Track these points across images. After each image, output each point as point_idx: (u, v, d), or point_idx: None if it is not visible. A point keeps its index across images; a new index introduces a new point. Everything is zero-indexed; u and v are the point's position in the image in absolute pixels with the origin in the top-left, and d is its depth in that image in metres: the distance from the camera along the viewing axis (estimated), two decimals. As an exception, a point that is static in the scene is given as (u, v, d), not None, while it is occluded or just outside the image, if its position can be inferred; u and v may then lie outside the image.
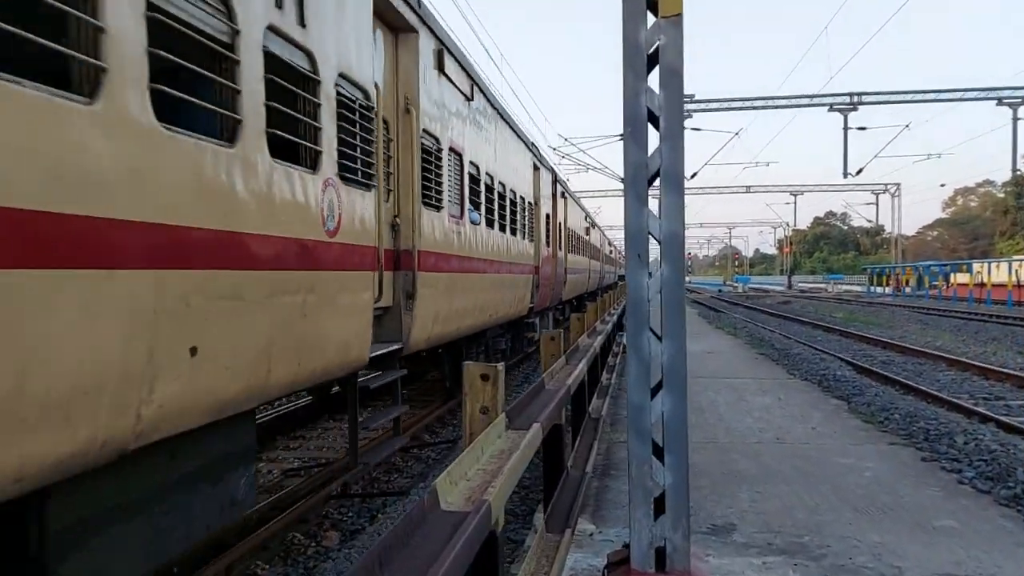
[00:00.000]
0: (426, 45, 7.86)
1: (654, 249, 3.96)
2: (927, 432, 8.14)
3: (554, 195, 19.04)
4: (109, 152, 3.00)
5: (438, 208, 8.34)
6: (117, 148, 3.05)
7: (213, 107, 3.88)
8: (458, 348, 10.41)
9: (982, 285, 37.44)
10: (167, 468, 3.73)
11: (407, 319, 7.32)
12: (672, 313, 3.90)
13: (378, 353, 6.39)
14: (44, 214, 2.68)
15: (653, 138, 3.86)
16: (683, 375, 3.96)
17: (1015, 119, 35.07)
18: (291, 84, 4.75)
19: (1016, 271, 35.80)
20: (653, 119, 3.83)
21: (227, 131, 3.99)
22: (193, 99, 3.66)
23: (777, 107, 37.52)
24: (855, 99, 36.08)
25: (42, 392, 2.67)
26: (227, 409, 3.96)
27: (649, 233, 3.89)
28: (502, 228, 12.09)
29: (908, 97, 36.23)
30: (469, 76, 9.82)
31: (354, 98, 5.82)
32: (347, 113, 5.60)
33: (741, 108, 38.12)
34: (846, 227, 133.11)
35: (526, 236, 14.57)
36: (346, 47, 5.60)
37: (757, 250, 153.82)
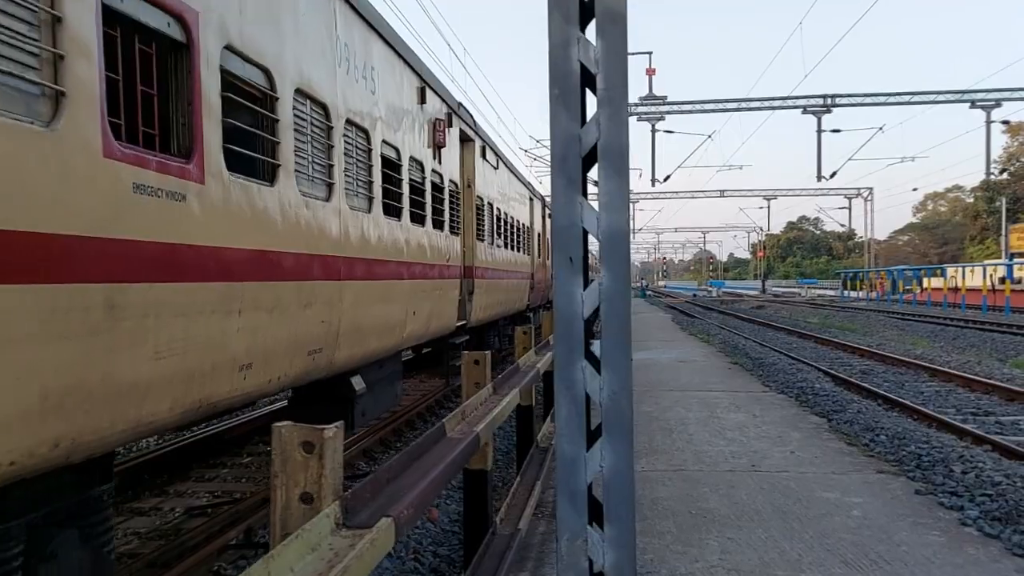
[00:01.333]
0: (477, 145, 12.70)
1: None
2: (919, 458, 7.28)
3: (543, 217, 23.67)
4: None
5: (481, 239, 13.00)
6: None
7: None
8: (485, 330, 14.21)
9: (956, 290, 37.09)
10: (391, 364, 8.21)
11: (469, 306, 11.93)
12: (614, 335, 2.96)
13: (459, 324, 11.19)
14: None
15: (591, 105, 2.92)
16: (628, 417, 2.99)
17: (988, 122, 34.74)
18: (440, 193, 10.05)
19: (991, 276, 35.48)
20: (589, 79, 2.88)
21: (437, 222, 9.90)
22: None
23: (751, 109, 36.90)
24: (829, 101, 35.54)
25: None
26: (424, 337, 9.33)
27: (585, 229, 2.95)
28: (513, 247, 16.81)
29: (882, 99, 35.78)
30: (496, 154, 14.58)
31: (453, 191, 11.02)
32: (453, 199, 10.93)
33: (714, 110, 37.46)
34: (819, 232, 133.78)
35: (526, 251, 19.16)
36: (452, 166, 10.84)
37: (731, 254, 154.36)
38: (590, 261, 3.13)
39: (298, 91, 5.40)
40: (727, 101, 37.03)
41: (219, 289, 4.24)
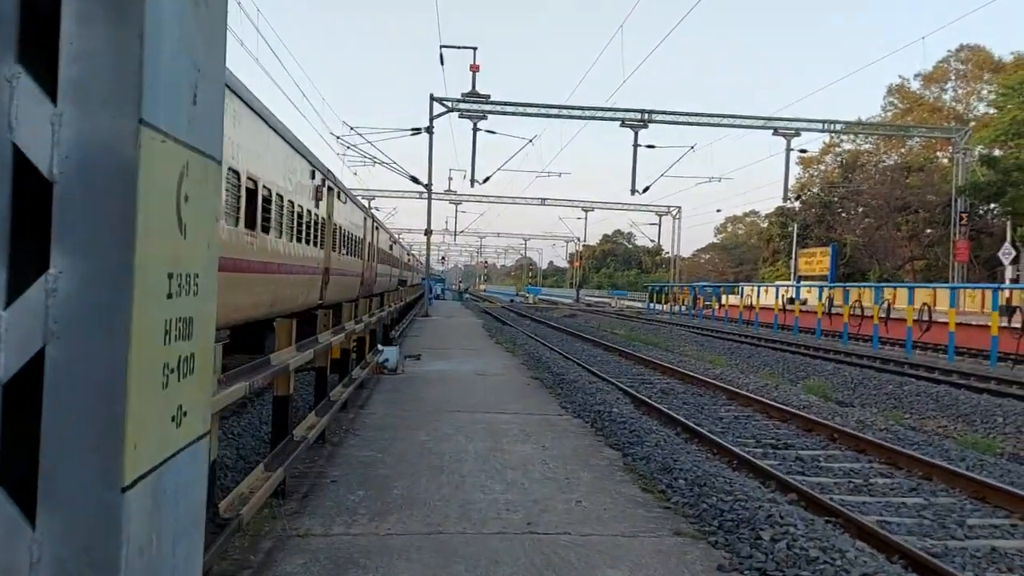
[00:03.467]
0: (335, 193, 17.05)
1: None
2: (721, 514, 6.12)
3: (373, 230, 28.13)
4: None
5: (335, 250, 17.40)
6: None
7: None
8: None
9: (751, 307, 38.88)
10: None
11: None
12: (76, 430, 1.18)
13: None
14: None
15: None
16: None
17: (788, 149, 36.68)
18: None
19: (783, 295, 37.43)
20: None
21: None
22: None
23: (572, 117, 36.73)
24: (646, 116, 36.05)
25: None
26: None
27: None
28: (354, 256, 22.04)
29: (695, 119, 36.85)
30: (347, 196, 20.90)
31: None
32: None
33: (536, 115, 36.94)
34: (631, 245, 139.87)
35: (360, 257, 23.65)
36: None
37: (551, 262, 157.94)
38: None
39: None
40: (549, 107, 36.61)
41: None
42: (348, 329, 9.91)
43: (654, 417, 11.23)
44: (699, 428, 10.21)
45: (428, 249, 40.12)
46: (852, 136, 66.05)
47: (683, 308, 51.21)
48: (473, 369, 15.48)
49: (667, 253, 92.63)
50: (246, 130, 9.70)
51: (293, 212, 12.85)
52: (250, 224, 10.00)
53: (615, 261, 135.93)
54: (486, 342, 23.04)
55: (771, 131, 36.93)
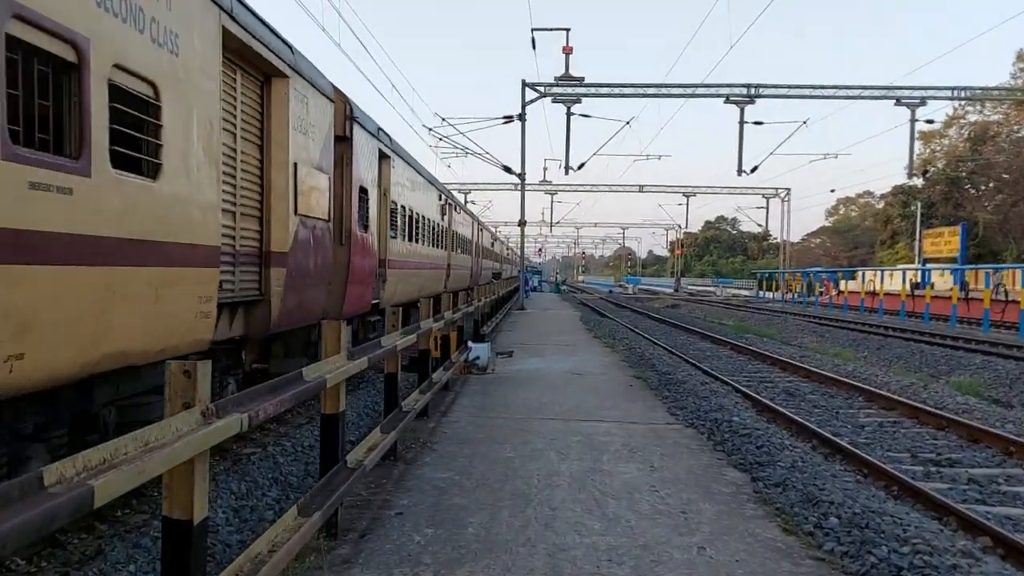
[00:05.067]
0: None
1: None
2: (898, 573, 4.56)
3: (479, 230, 32.89)
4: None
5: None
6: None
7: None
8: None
9: (873, 294, 35.83)
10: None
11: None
12: None
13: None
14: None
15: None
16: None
17: (913, 120, 33.41)
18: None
19: (910, 280, 34.25)
20: None
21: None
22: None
23: (671, 95, 34.60)
24: (752, 91, 33.56)
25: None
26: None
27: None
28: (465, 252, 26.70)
29: (807, 92, 34.05)
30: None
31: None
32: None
33: (633, 95, 35.03)
34: (735, 231, 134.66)
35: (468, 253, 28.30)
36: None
37: (651, 251, 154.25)
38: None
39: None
40: (647, 86, 34.65)
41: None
42: (447, 318, 10.66)
43: (782, 425, 9.59)
44: (839, 440, 8.52)
45: (522, 240, 38.94)
46: (979, 107, 60.78)
47: (795, 296, 48.13)
48: (569, 367, 14.14)
49: (775, 238, 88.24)
50: (404, 177, 15.19)
51: (429, 226, 18.76)
52: (410, 238, 15.90)
53: (719, 248, 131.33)
54: (583, 336, 21.64)
55: (893, 101, 33.73)
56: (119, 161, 4.88)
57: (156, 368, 5.56)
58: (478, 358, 13.89)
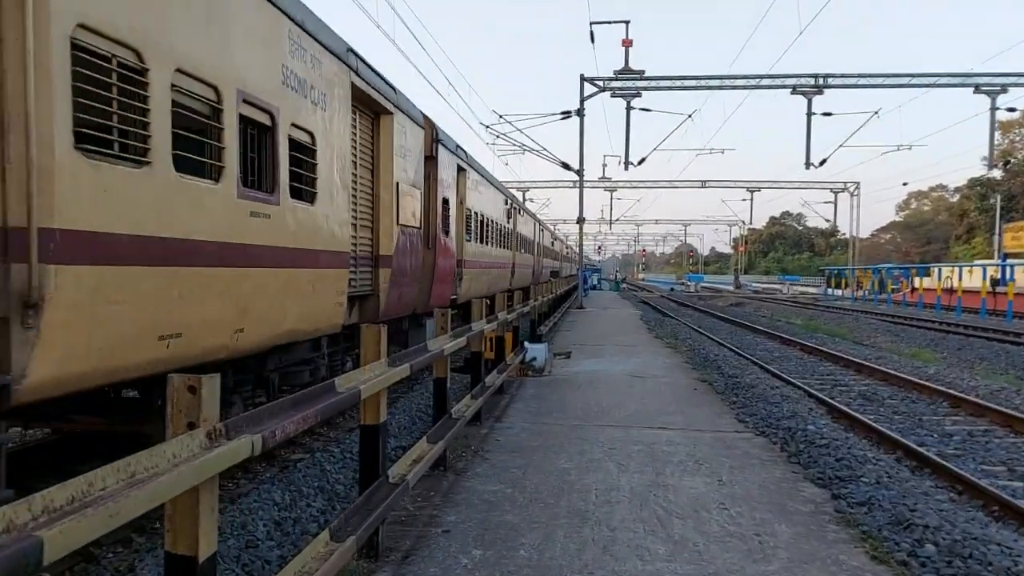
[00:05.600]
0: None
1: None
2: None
3: (540, 230, 33.68)
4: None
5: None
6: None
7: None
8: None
9: (951, 291, 34.11)
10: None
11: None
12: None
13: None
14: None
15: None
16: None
17: (993, 108, 31.61)
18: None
19: (991, 277, 32.46)
20: None
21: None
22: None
23: (735, 87, 33.55)
24: (820, 80, 32.25)
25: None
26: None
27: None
28: (528, 252, 28.38)
29: (878, 81, 32.59)
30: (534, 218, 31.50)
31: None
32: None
33: (696, 87, 34.08)
34: (801, 227, 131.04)
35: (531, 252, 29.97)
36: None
37: (713, 248, 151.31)
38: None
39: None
40: (709, 78, 33.69)
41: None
42: (501, 319, 10.33)
43: (861, 434, 8.89)
44: (926, 452, 7.81)
45: (580, 238, 38.33)
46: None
47: (866, 293, 46.30)
48: (629, 369, 13.60)
49: (843, 234, 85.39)
50: (477, 186, 16.78)
51: (496, 229, 20.17)
52: (481, 240, 17.50)
53: (784, 244, 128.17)
54: (644, 336, 21.00)
55: (972, 88, 32.01)
56: (294, 193, 6.69)
57: (303, 345, 7.62)
58: (535, 359, 13.47)
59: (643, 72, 33.76)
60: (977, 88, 31.94)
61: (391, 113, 9.65)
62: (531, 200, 63.56)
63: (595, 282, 65.29)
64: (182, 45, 4.95)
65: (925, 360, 17.14)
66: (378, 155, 9.64)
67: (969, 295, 32.89)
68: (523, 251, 27.42)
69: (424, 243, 11.56)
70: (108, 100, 4.32)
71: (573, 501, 5.91)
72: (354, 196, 8.54)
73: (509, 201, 23.34)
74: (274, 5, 6.21)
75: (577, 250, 46.18)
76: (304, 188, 6.89)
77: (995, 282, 33.35)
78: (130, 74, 4.46)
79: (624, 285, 78.07)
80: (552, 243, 47.23)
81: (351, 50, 8.14)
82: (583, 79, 33.36)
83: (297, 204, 6.70)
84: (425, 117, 11.73)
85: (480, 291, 17.01)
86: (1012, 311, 27.95)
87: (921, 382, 12.49)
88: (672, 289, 73.39)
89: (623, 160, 35.97)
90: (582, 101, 33.44)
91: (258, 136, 6.13)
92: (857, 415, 9.66)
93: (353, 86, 8.19)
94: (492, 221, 19.45)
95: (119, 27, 4.32)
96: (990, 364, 17.09)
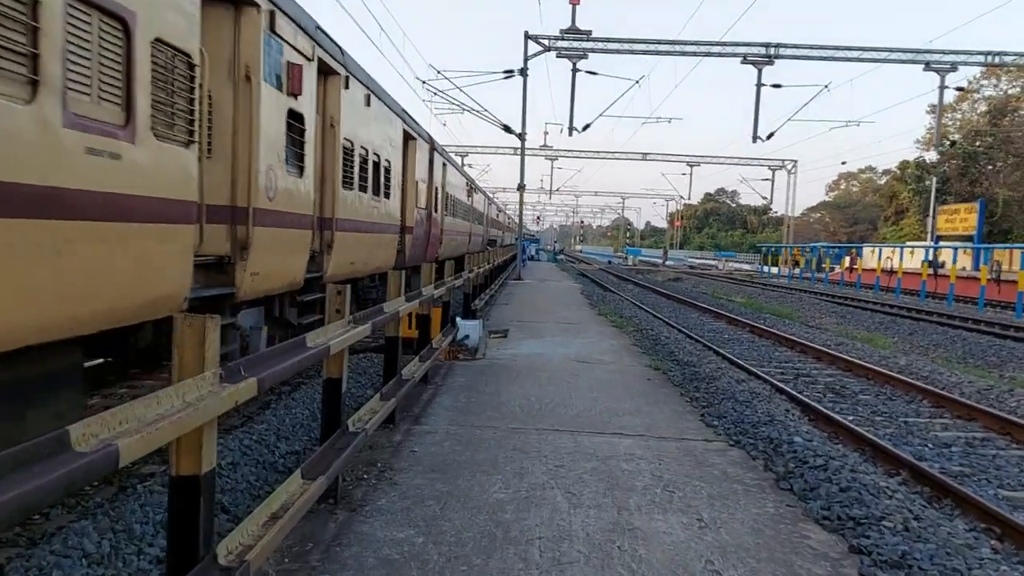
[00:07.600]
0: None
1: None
2: None
3: (488, 204, 38.09)
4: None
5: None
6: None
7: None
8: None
9: (891, 272, 33.72)
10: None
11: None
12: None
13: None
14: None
15: None
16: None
17: (942, 87, 31.05)
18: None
19: (933, 259, 32.08)
20: None
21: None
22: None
23: (684, 53, 32.08)
24: (772, 51, 31.07)
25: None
26: None
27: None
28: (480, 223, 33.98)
29: (830, 53, 31.58)
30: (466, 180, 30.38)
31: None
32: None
33: (644, 52, 32.52)
34: (735, 204, 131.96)
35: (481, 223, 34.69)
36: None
37: (648, 223, 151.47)
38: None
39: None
40: (658, 42, 32.18)
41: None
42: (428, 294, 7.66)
43: (850, 444, 7.49)
44: (939, 475, 6.42)
45: (521, 206, 36.65)
46: (994, 80, 58.17)
47: (802, 271, 46.05)
48: (573, 353, 12.02)
49: (776, 212, 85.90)
50: (452, 175, 23.02)
51: (463, 206, 26.11)
52: (453, 215, 23.23)
53: (718, 221, 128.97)
54: (586, 313, 19.50)
55: (922, 65, 31.36)
56: (376, 192, 11.73)
57: (372, 279, 13.01)
58: (467, 338, 11.80)
59: (590, 32, 32.07)
60: (927, 65, 31.33)
61: (415, 138, 15.46)
62: (470, 166, 61.42)
63: (533, 252, 63.83)
64: None
65: (879, 345, 16.10)
66: (408, 164, 15.02)
67: (910, 276, 32.53)
68: (477, 223, 31.65)
69: (427, 219, 17.30)
70: None
71: (507, 558, 4.25)
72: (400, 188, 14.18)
73: (469, 184, 29.02)
74: None
75: (516, 219, 44.52)
76: (382, 188, 12.21)
77: (934, 264, 33.09)
78: None
79: (562, 256, 76.87)
80: (497, 214, 47.05)
81: None
82: (527, 37, 31.48)
83: (380, 199, 12.14)
84: (430, 136, 17.50)
85: (452, 253, 21.93)
86: (953, 295, 27.54)
87: (891, 374, 11.26)
88: (610, 262, 72.51)
89: (567, 126, 34.35)
90: (526, 60, 31.59)
91: (373, 167, 11.91)
92: (840, 419, 8.26)
93: (404, 130, 14.50)
94: (459, 201, 25.31)
95: None
96: (946, 351, 16.17)
